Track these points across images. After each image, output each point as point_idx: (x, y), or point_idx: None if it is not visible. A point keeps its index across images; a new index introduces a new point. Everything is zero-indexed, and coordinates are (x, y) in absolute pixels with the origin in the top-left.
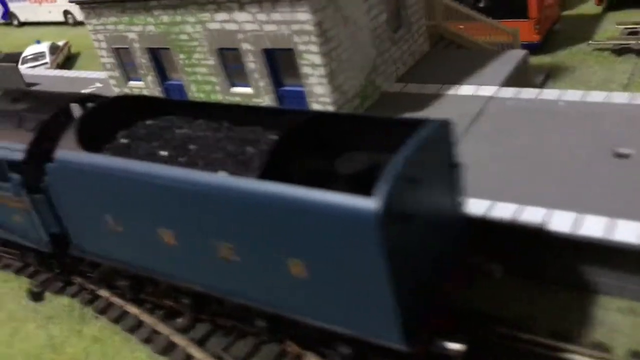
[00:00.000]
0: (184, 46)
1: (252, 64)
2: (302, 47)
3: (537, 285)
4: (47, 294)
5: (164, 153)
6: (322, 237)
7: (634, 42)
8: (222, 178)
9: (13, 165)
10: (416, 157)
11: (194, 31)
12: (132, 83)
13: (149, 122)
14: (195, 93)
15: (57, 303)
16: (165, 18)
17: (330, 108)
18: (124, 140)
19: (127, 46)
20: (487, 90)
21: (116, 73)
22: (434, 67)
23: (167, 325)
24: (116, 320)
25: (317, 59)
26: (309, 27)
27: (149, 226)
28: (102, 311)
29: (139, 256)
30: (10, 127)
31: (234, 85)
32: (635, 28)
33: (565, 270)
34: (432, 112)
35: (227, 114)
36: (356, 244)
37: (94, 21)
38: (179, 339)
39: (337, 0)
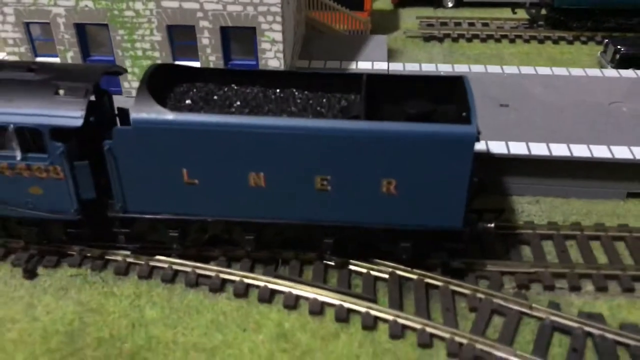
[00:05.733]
0: (127, 22)
1: (207, 39)
2: (265, 26)
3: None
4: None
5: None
6: (420, 157)
7: (436, 32)
8: (343, 122)
9: (58, 132)
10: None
11: (145, 8)
12: (40, 60)
13: (195, 87)
14: (129, 68)
15: (61, 275)
16: None
17: None
18: (188, 102)
19: (47, 21)
20: (382, 65)
21: (22, 49)
22: (319, 48)
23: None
24: (148, 276)
25: (278, 36)
26: (276, 9)
27: (237, 173)
28: (126, 272)
29: (219, 205)
30: (48, 95)
31: (176, 59)
32: (430, 21)
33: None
34: None
35: (261, 79)
36: (455, 157)
37: None
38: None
39: None
